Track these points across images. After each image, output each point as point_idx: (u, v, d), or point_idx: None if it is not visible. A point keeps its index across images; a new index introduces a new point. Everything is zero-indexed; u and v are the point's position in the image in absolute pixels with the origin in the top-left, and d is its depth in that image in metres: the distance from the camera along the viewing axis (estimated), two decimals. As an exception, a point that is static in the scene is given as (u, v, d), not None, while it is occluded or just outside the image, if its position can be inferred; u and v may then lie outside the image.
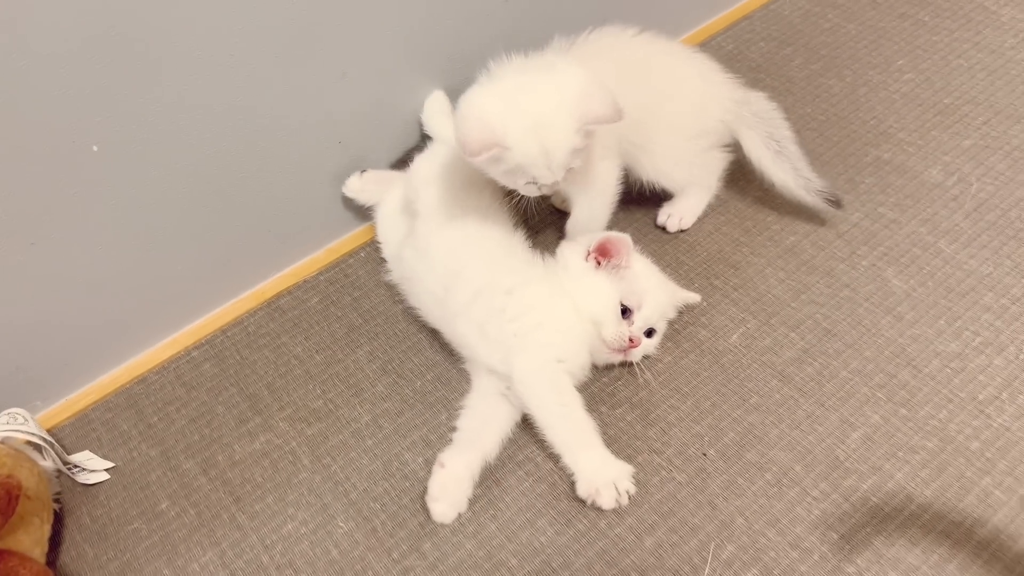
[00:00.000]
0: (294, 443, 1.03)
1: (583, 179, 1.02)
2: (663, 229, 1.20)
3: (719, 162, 1.18)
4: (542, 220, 1.19)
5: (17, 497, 0.82)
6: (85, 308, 1.04)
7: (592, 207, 1.08)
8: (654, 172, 1.12)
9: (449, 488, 0.94)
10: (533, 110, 0.89)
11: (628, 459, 0.97)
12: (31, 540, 0.88)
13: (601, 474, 0.92)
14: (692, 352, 1.07)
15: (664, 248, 1.19)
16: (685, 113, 1.11)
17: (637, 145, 1.09)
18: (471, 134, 0.89)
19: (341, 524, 0.95)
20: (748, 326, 1.08)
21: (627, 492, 0.91)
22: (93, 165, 0.94)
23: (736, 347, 1.07)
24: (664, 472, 0.96)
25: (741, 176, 1.26)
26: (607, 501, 0.91)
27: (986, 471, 0.93)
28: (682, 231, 1.20)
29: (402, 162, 1.21)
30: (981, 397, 0.99)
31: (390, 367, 1.09)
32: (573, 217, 1.10)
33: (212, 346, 1.14)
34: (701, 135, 1.13)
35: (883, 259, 1.14)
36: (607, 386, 1.04)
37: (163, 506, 0.99)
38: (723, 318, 1.10)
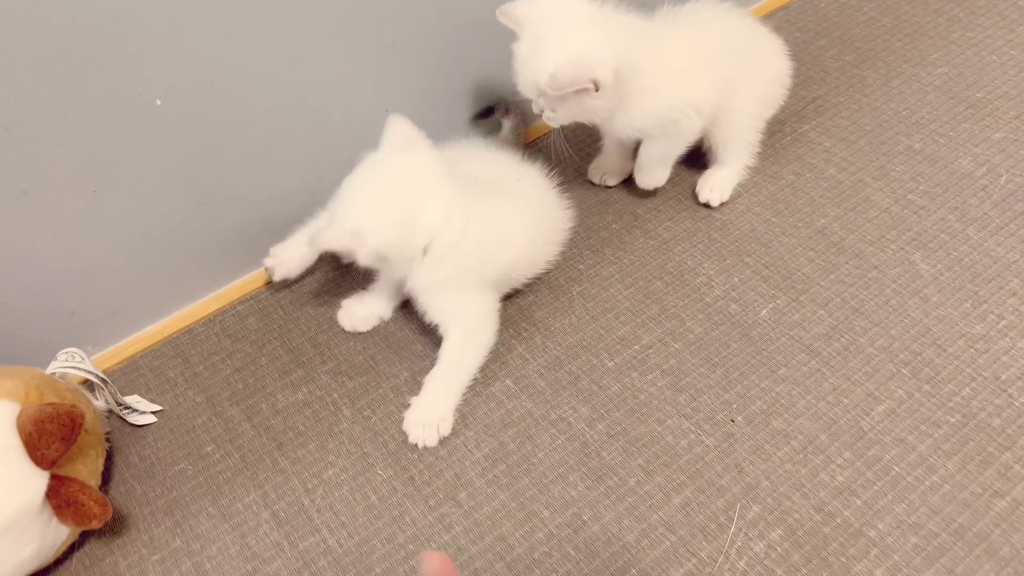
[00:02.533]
0: (335, 395, 1.07)
1: (662, 126, 1.12)
2: (706, 205, 1.24)
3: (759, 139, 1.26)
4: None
5: (80, 425, 0.85)
6: (138, 258, 1.08)
7: (665, 148, 1.17)
8: (724, 134, 1.20)
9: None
10: (553, 30, 1.00)
11: (657, 422, 1.00)
12: (87, 471, 0.92)
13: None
14: (723, 324, 1.10)
15: (698, 226, 1.22)
16: (765, 83, 1.20)
17: (720, 106, 1.15)
18: (519, 4, 1.02)
19: (380, 472, 0.99)
20: (778, 302, 1.11)
21: None
22: (156, 119, 0.98)
23: (766, 321, 1.10)
24: (692, 435, 0.99)
25: (775, 161, 1.29)
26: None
27: (1007, 447, 0.96)
28: (723, 204, 1.24)
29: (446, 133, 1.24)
30: (1004, 377, 1.01)
31: (428, 329, 1.12)
32: (643, 151, 1.18)
33: (257, 302, 1.18)
34: (770, 105, 1.23)
35: (911, 243, 1.16)
36: (639, 353, 1.08)
37: (208, 449, 1.03)
38: (753, 294, 1.13)
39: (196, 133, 1.02)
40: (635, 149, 1.21)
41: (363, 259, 0.96)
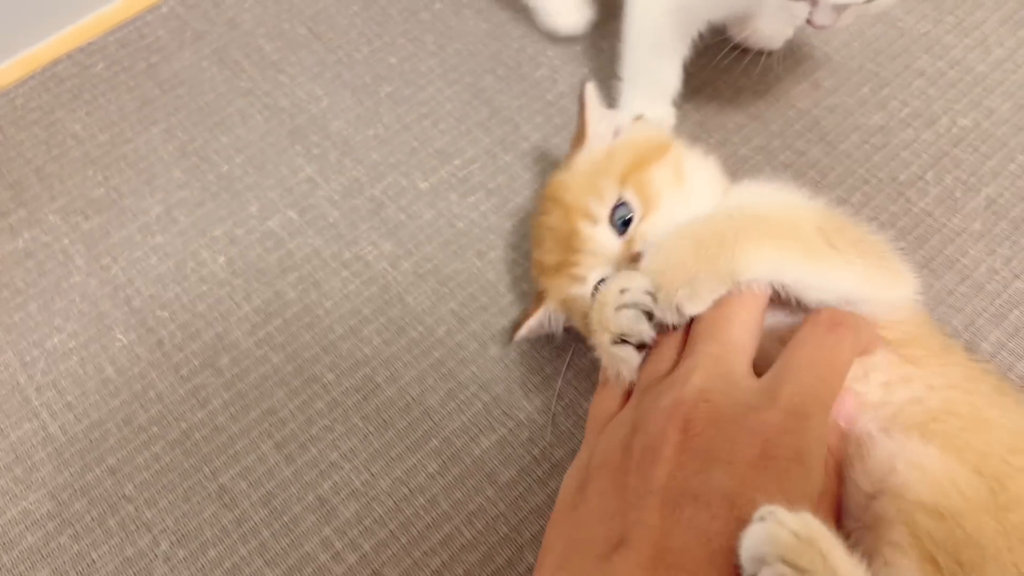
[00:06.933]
0: (66, 240, 0.83)
1: None
2: None
3: None
4: None
5: None
6: None
7: None
8: None
9: None
10: None
11: (478, 256, 0.80)
12: None
13: None
14: (565, 128, 0.87)
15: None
16: None
17: None
18: None
19: (120, 336, 0.77)
20: (635, 96, 0.89)
21: None
22: None
23: (618, 121, 0.87)
24: (521, 270, 0.79)
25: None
26: None
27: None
28: None
29: None
30: (902, 178, 0.82)
31: (191, 148, 0.87)
32: None
33: (-32, 124, 0.91)
34: None
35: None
36: (461, 169, 0.85)
37: None
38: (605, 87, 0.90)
39: None
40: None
41: None
